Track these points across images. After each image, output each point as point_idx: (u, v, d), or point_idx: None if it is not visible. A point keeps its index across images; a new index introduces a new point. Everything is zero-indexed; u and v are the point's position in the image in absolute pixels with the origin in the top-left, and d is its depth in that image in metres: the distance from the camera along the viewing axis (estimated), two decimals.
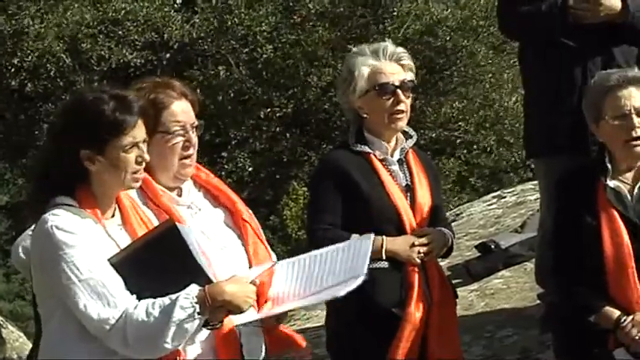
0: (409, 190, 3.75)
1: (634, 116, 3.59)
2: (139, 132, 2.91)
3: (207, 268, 2.89)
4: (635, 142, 3.60)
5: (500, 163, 16.41)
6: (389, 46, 3.78)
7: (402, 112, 3.74)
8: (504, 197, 8.93)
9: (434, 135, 15.85)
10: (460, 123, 15.62)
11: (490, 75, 15.12)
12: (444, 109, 15.71)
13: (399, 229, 3.70)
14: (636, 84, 3.64)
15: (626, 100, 3.61)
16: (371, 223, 3.64)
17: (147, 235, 2.89)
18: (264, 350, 3.15)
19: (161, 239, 2.84)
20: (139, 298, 2.81)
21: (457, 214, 9.02)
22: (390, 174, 3.74)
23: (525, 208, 7.70)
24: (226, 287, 2.85)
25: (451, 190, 15.82)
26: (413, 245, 3.67)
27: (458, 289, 5.94)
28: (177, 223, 2.87)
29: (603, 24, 4.36)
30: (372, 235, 3.34)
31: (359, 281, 3.09)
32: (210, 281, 2.85)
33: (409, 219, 3.71)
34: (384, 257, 3.65)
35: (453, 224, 8.08)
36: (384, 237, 3.65)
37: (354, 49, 3.92)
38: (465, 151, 16.14)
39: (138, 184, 2.97)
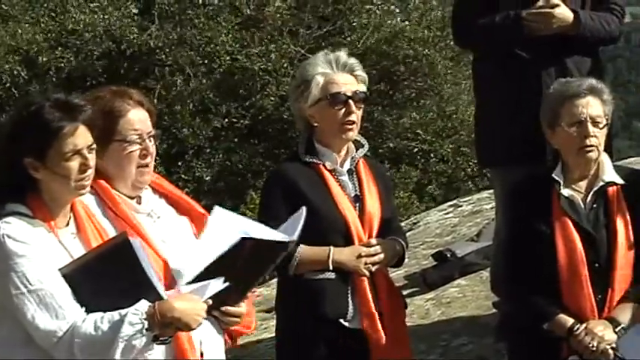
0: (358, 200, 3.75)
1: (589, 124, 3.63)
2: (81, 139, 2.87)
3: (159, 283, 2.87)
4: (588, 149, 3.64)
5: (457, 172, 16.54)
6: (343, 56, 3.78)
7: (353, 122, 3.73)
8: (461, 206, 8.98)
9: (392, 145, 15.95)
10: (418, 132, 15.73)
11: (448, 86, 15.25)
12: (402, 120, 15.82)
13: (347, 240, 3.70)
14: (594, 93, 3.68)
15: (583, 107, 3.65)
16: (319, 235, 3.63)
17: (100, 248, 2.86)
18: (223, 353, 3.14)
19: (113, 252, 2.81)
20: (89, 311, 2.79)
21: (414, 223, 9.05)
22: (340, 184, 3.74)
23: (481, 217, 7.75)
24: (176, 304, 2.82)
25: (410, 198, 15.91)
26: (360, 256, 3.67)
27: (414, 298, 6.02)
28: (130, 238, 2.84)
29: (556, 36, 4.40)
30: (304, 209, 3.26)
31: (291, 238, 3.06)
32: (160, 297, 2.83)
33: (357, 230, 3.70)
34: (331, 268, 3.66)
35: (409, 233, 8.17)
36: (331, 247, 3.65)
37: (311, 58, 3.92)
38: (423, 160, 16.25)
39: (85, 192, 2.93)
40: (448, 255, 6.47)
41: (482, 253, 6.25)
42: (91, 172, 2.90)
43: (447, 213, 8.84)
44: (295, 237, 3.09)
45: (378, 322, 3.66)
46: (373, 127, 14.70)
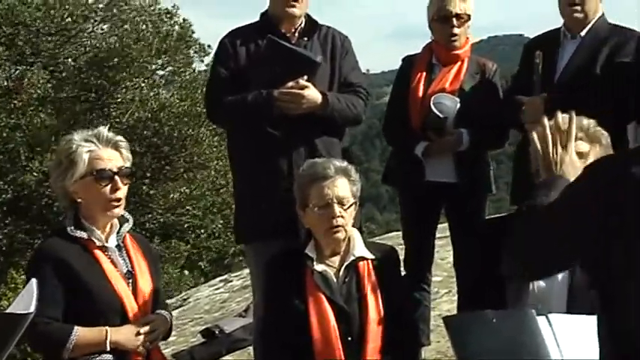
0: (131, 276, 3.70)
1: (335, 205, 3.74)
2: None
3: None
4: (335, 229, 3.75)
5: (228, 247, 16.61)
6: (105, 131, 3.74)
7: (119, 199, 3.69)
8: (231, 281, 9.03)
9: (162, 219, 15.83)
10: (188, 207, 15.71)
11: (216, 162, 15.36)
12: (172, 195, 15.76)
13: (123, 318, 3.62)
14: (340, 173, 3.79)
15: (328, 189, 3.75)
16: (93, 314, 3.55)
17: None
18: None
19: None
20: None
21: (184, 299, 9.00)
22: (111, 261, 3.67)
23: (250, 292, 7.80)
24: None
25: (181, 273, 15.80)
26: (138, 334, 3.61)
27: None
28: None
29: (306, 116, 4.54)
30: (34, 280, 3.08)
31: (28, 311, 2.83)
32: None
33: (132, 307, 3.64)
34: (108, 349, 3.56)
35: (179, 310, 8.09)
36: (107, 328, 3.56)
37: (72, 134, 3.85)
38: (194, 236, 16.22)
39: None
40: (216, 331, 6.47)
41: (249, 329, 6.28)
42: None
43: (217, 288, 8.85)
44: (32, 309, 2.87)
45: None
46: (141, 201, 14.53)
